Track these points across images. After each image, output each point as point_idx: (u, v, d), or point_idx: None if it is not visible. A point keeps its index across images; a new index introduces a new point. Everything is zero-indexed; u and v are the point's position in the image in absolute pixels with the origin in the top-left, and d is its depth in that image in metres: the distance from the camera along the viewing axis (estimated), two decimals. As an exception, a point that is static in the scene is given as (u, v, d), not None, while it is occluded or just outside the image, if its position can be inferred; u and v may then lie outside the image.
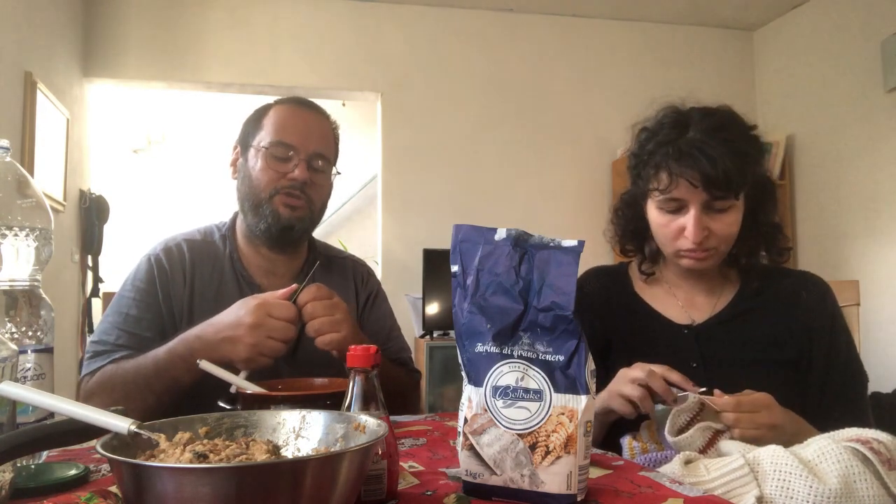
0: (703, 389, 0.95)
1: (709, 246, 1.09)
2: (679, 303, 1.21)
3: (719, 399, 0.93)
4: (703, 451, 0.91)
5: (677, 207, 1.09)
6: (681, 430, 0.93)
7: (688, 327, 1.17)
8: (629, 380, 0.97)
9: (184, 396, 1.08)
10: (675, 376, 0.96)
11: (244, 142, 1.31)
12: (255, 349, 1.03)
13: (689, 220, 1.07)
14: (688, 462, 0.83)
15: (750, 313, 1.16)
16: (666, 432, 0.92)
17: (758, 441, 0.91)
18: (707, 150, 1.04)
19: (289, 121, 1.28)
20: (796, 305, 1.15)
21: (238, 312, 1.05)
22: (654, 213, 1.14)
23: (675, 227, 1.10)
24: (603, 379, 1.07)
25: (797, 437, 0.94)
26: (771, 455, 0.80)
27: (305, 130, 1.27)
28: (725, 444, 0.90)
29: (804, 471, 0.76)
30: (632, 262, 1.31)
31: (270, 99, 1.36)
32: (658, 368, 0.97)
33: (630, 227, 1.24)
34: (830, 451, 0.78)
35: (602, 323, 1.20)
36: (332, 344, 1.07)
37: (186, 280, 1.25)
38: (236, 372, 1.02)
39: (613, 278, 1.29)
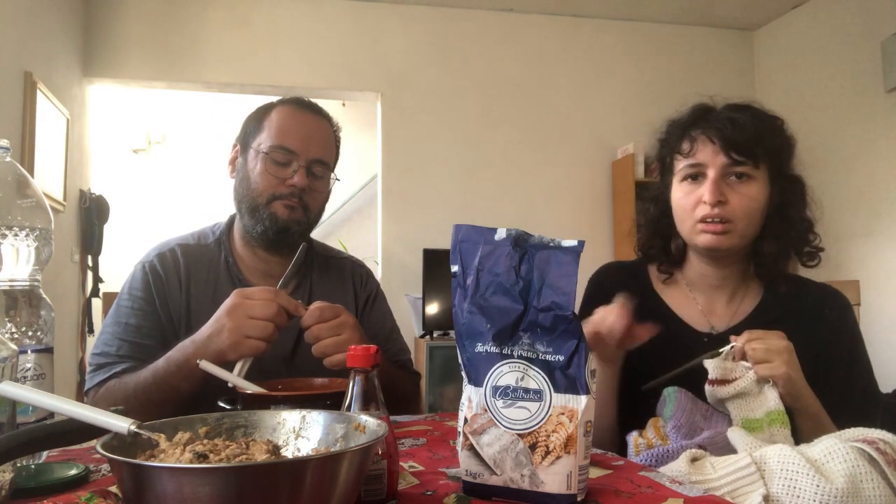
0: (727, 348, 0.99)
1: (726, 216, 1.08)
2: (699, 307, 1.18)
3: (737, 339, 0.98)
4: (731, 381, 0.96)
5: (697, 173, 1.11)
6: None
7: (707, 335, 1.15)
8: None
9: (185, 406, 1.07)
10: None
11: (244, 141, 1.30)
12: (238, 332, 1.01)
13: (707, 184, 1.09)
14: (694, 460, 0.83)
15: (770, 326, 1.12)
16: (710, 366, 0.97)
17: (769, 360, 0.95)
18: (730, 115, 1.09)
19: (290, 125, 1.26)
20: (818, 322, 1.13)
21: (221, 306, 1.05)
22: (675, 191, 1.14)
23: (695, 196, 1.10)
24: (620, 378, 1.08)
25: (803, 388, 0.98)
26: (778, 454, 0.79)
27: (307, 135, 1.26)
28: (731, 433, 0.90)
29: (811, 470, 0.76)
30: (650, 259, 1.28)
31: (271, 98, 1.35)
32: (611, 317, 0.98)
33: (654, 225, 1.22)
34: (837, 450, 0.78)
35: None
36: (340, 365, 1.04)
37: (182, 285, 1.24)
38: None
39: (632, 274, 1.26)
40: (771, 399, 0.95)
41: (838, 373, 1.10)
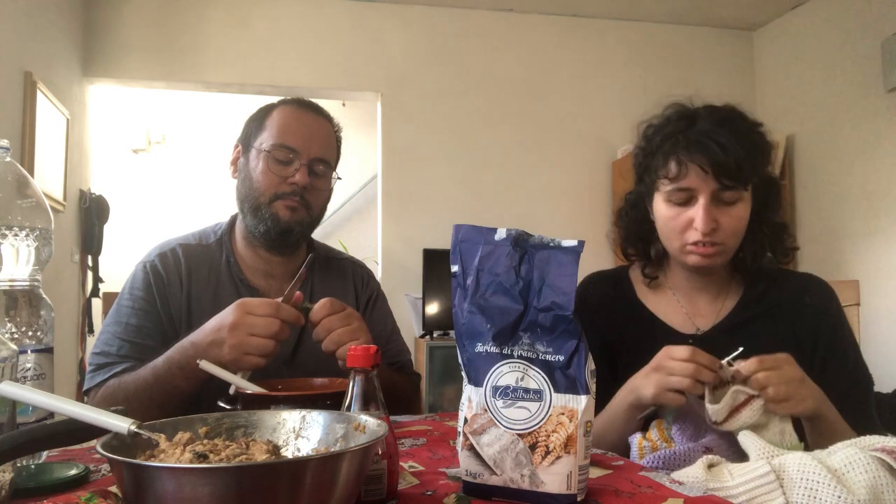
0: (735, 354, 0.95)
1: (717, 240, 1.08)
2: (683, 310, 1.18)
3: (743, 365, 0.93)
4: (735, 411, 0.91)
5: (686, 199, 1.09)
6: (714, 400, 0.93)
7: (693, 336, 1.15)
8: (673, 373, 0.94)
9: (186, 406, 1.07)
10: (703, 358, 0.94)
11: (246, 141, 1.31)
12: (239, 349, 1.01)
13: (698, 210, 1.07)
14: (711, 466, 0.81)
15: (754, 320, 1.14)
16: (706, 402, 0.92)
17: (790, 399, 0.91)
18: (717, 138, 1.05)
19: (292, 124, 1.27)
20: (801, 310, 1.14)
21: (222, 315, 1.04)
22: (661, 208, 1.13)
23: (684, 219, 1.09)
24: (612, 387, 1.06)
25: (823, 403, 0.94)
26: (798, 462, 0.78)
27: (308, 134, 1.26)
28: (742, 437, 0.88)
29: (832, 480, 0.74)
30: (633, 264, 1.28)
31: (271, 99, 1.36)
32: (691, 353, 0.94)
33: (634, 229, 1.22)
34: (858, 460, 0.76)
35: (607, 332, 1.18)
36: None
37: (183, 285, 1.25)
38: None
39: (614, 284, 1.26)
40: (786, 433, 0.92)
41: (826, 359, 1.10)
